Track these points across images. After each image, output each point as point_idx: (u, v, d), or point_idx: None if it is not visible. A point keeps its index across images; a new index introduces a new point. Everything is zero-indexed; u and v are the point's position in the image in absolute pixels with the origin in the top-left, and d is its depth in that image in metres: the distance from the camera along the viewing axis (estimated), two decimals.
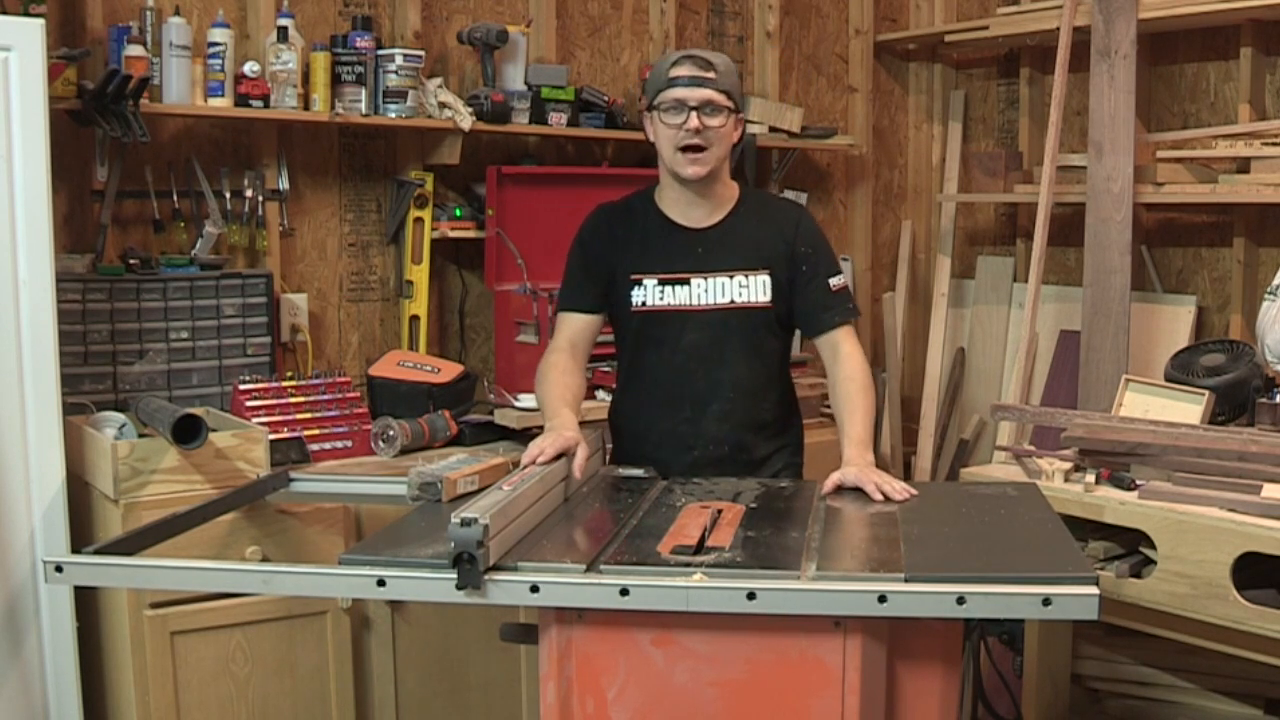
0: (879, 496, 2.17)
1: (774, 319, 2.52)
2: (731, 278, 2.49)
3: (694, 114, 2.38)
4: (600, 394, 3.33)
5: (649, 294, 2.49)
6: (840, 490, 2.23)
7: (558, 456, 2.22)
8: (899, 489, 2.18)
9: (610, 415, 2.69)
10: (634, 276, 2.50)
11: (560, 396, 2.41)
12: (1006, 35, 4.19)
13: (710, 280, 2.48)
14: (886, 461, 4.36)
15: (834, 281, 2.51)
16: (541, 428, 3.17)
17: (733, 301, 2.48)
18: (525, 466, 2.17)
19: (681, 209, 2.51)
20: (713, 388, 2.49)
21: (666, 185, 2.52)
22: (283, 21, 3.21)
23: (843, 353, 2.48)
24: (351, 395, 3.16)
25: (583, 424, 2.40)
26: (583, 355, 2.54)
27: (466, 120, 3.40)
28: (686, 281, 2.49)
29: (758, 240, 2.51)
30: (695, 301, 2.48)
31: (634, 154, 3.94)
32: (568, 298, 2.57)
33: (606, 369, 3.28)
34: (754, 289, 2.49)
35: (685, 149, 2.40)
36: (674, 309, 2.49)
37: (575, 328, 2.54)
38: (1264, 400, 2.80)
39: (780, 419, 2.60)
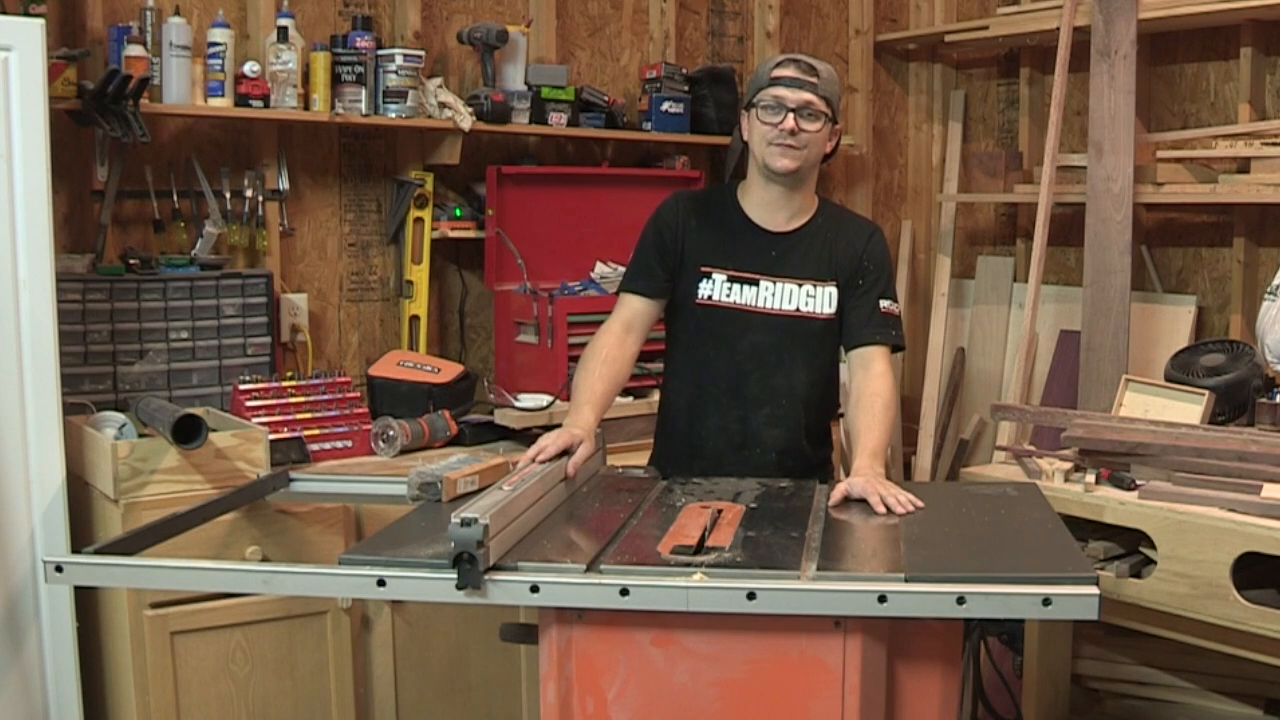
0: (882, 509, 2.14)
1: (835, 331, 2.51)
2: (800, 285, 2.48)
3: (791, 115, 2.38)
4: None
5: (717, 289, 2.48)
6: (846, 501, 2.20)
7: (560, 455, 2.22)
8: (904, 501, 2.14)
9: (660, 407, 2.66)
10: (704, 269, 2.49)
11: (589, 390, 2.39)
12: (1006, 35, 4.19)
13: (779, 285, 2.48)
14: (887, 463, 4.36)
15: (885, 304, 2.50)
16: (543, 427, 3.22)
17: (798, 310, 2.47)
18: (525, 466, 2.17)
19: (763, 210, 2.50)
20: (767, 392, 2.48)
21: (752, 184, 2.52)
22: (283, 21, 3.20)
23: (874, 370, 2.45)
24: (351, 395, 3.16)
25: (606, 421, 2.40)
26: (636, 340, 2.50)
27: (466, 120, 3.40)
28: (756, 282, 2.48)
29: (832, 251, 2.50)
30: (762, 304, 2.47)
31: (634, 154, 3.94)
32: (633, 279, 2.54)
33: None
34: (820, 300, 2.48)
35: (774, 145, 2.41)
36: (739, 308, 2.47)
37: (634, 309, 2.50)
38: (1264, 400, 2.81)
39: (822, 427, 2.58)
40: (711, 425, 2.51)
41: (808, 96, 2.39)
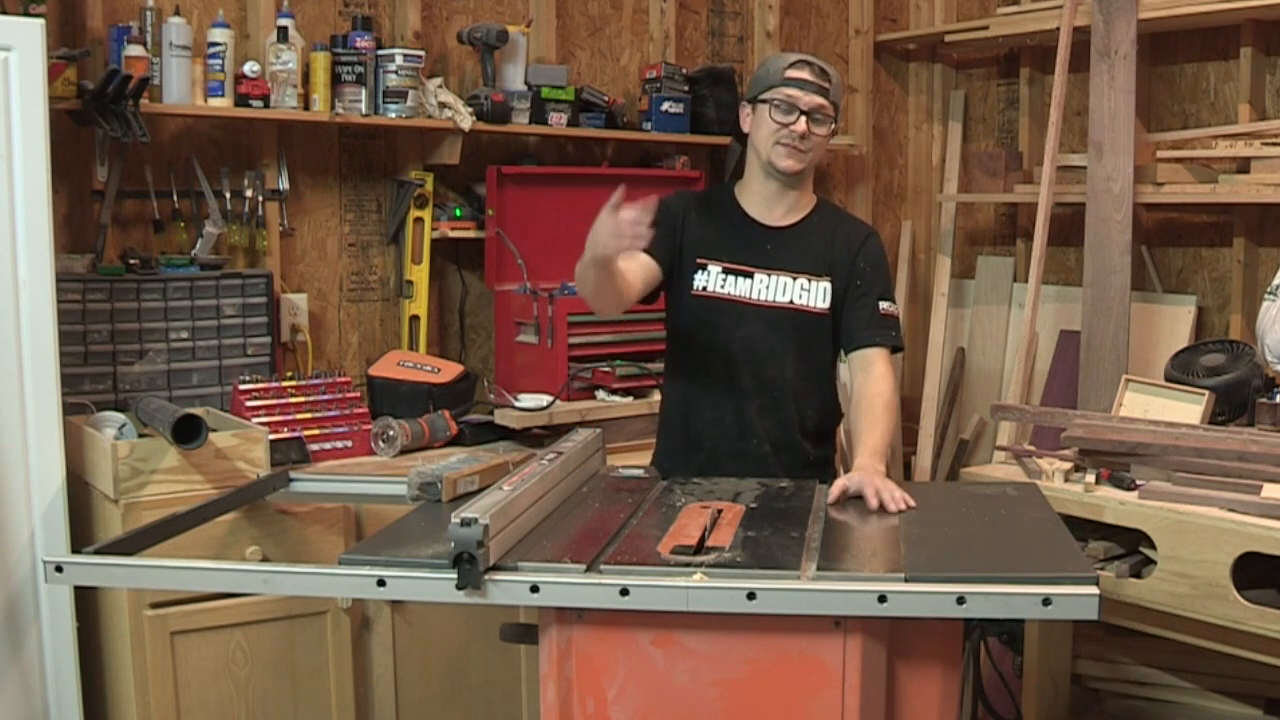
0: (874, 504, 2.16)
1: (828, 327, 2.52)
2: (795, 279, 2.50)
3: (804, 118, 2.40)
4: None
5: (711, 280, 2.50)
6: (844, 496, 2.21)
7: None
8: (898, 498, 2.15)
9: (660, 401, 2.68)
10: (700, 260, 2.51)
11: None
12: (1006, 35, 4.19)
13: (774, 277, 2.49)
14: (888, 462, 4.35)
15: (884, 305, 2.51)
16: (543, 427, 3.22)
17: (792, 302, 2.49)
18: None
19: (761, 205, 2.52)
20: (759, 384, 2.49)
21: (751, 179, 2.54)
22: (283, 21, 3.20)
23: (875, 371, 2.46)
24: (351, 395, 3.16)
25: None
26: (635, 275, 2.40)
27: (466, 120, 3.39)
28: (751, 274, 2.49)
29: (827, 247, 2.52)
30: (756, 296, 2.49)
31: (634, 154, 3.94)
32: None
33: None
34: (814, 294, 2.50)
35: (782, 144, 2.42)
36: (733, 299, 2.49)
37: (636, 258, 2.43)
38: (1264, 400, 2.81)
39: (822, 427, 2.59)
40: (707, 417, 2.52)
41: (820, 100, 2.42)
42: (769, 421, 2.50)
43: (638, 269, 2.44)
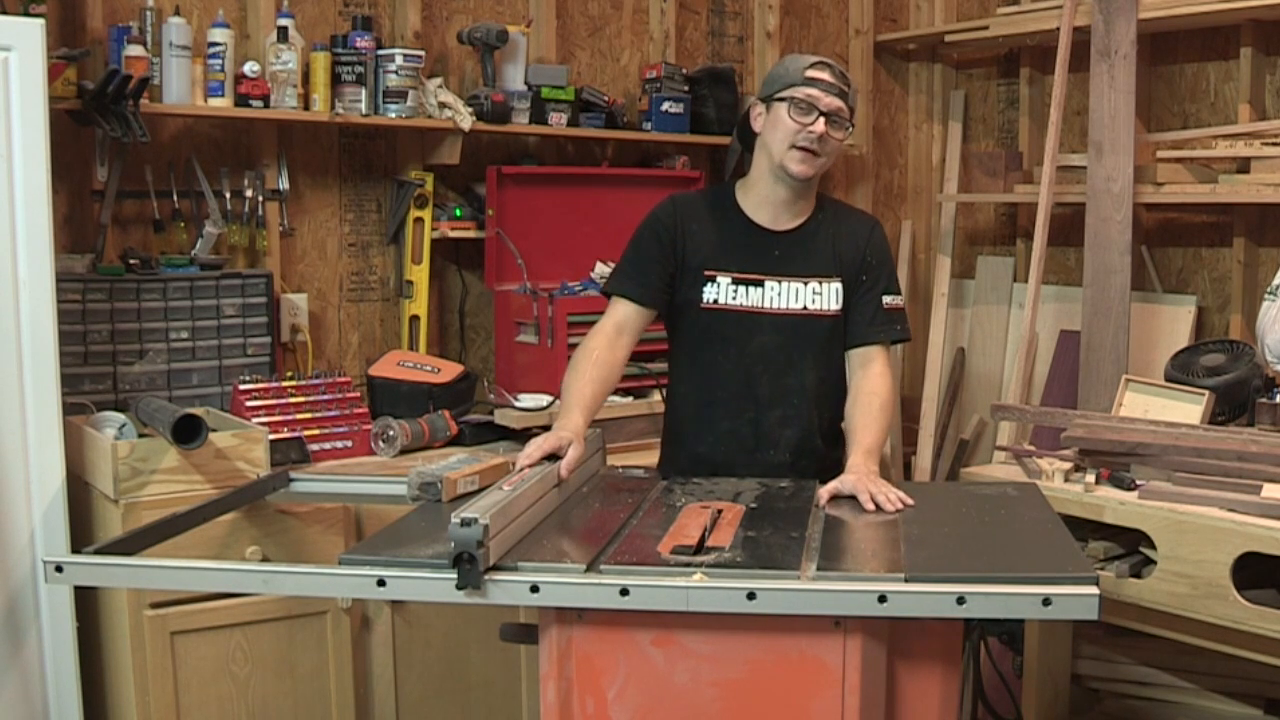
0: (870, 506, 2.15)
1: (843, 327, 2.49)
2: (806, 284, 2.47)
3: (822, 119, 2.38)
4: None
5: (722, 291, 2.46)
6: (838, 497, 2.21)
7: (547, 458, 2.20)
8: (893, 499, 2.15)
9: (666, 414, 2.64)
10: (708, 272, 2.46)
11: (579, 393, 2.35)
12: (1006, 35, 4.19)
13: (784, 284, 2.46)
14: (887, 462, 4.36)
15: (889, 299, 2.49)
16: (543, 427, 3.22)
17: (805, 308, 2.46)
18: (519, 469, 2.16)
19: (767, 210, 2.48)
20: (779, 393, 2.46)
21: (757, 181, 2.49)
22: (283, 21, 3.21)
23: (874, 369, 2.45)
24: (351, 395, 3.16)
25: (597, 422, 2.39)
26: (628, 343, 2.45)
27: (466, 120, 3.40)
28: (761, 283, 2.46)
29: (835, 247, 2.49)
30: (768, 304, 2.46)
31: (634, 154, 3.95)
32: (625, 281, 2.49)
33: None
34: (826, 297, 2.47)
35: (798, 148, 2.39)
36: (746, 309, 2.46)
37: (626, 314, 2.46)
38: (1264, 400, 2.81)
39: (835, 429, 2.56)
40: (723, 429, 2.48)
41: (839, 103, 2.39)
42: (790, 430, 2.47)
43: (630, 329, 2.44)
